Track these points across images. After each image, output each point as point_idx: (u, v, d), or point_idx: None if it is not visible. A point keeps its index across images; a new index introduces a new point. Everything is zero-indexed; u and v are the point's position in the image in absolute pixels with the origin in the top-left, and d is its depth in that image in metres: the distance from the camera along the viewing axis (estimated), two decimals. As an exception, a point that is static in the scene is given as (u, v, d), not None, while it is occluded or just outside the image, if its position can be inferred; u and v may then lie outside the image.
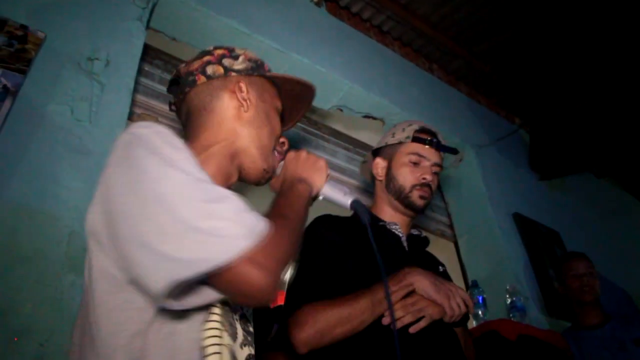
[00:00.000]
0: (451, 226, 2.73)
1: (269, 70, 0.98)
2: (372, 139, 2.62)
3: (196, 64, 0.91)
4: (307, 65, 2.22)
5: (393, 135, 1.41)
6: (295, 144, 2.26)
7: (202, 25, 1.99)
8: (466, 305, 1.13)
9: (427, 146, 1.35)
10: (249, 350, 0.73)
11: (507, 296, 2.12)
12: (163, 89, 1.85)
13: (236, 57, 0.93)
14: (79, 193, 1.29)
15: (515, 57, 2.96)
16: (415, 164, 1.35)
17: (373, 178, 1.45)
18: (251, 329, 0.78)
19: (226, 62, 0.91)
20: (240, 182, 0.92)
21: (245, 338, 0.74)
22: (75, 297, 1.16)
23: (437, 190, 1.86)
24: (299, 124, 2.30)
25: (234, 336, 0.71)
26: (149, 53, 1.90)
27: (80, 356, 0.66)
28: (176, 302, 0.60)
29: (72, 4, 1.58)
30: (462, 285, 2.45)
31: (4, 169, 1.23)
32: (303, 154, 0.96)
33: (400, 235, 1.32)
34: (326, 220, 1.27)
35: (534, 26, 2.74)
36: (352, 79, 2.37)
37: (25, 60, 1.37)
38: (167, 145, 0.67)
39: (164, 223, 0.59)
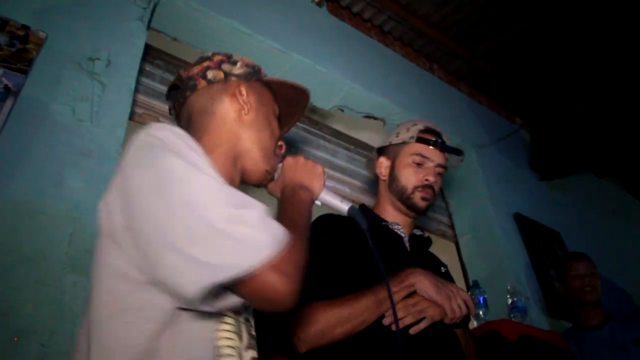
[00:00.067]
0: (452, 226, 2.73)
1: (265, 76, 1.00)
2: (373, 139, 2.63)
3: (196, 69, 0.93)
4: (308, 65, 2.22)
5: (397, 134, 1.40)
6: (296, 144, 2.26)
7: (203, 26, 1.99)
8: (467, 307, 1.13)
9: (431, 147, 1.34)
10: (252, 353, 0.73)
11: (508, 296, 2.12)
12: (164, 89, 1.85)
13: (235, 63, 0.95)
14: (80, 193, 1.29)
15: (516, 57, 2.96)
16: (419, 164, 1.34)
17: (377, 177, 1.45)
18: (254, 332, 0.78)
19: (225, 67, 0.94)
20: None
21: (249, 341, 0.74)
22: (76, 297, 1.16)
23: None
24: (300, 124, 2.31)
25: (240, 339, 0.72)
26: (150, 53, 1.90)
27: (88, 355, 0.65)
28: (207, 305, 0.61)
29: (74, 4, 1.58)
30: (463, 285, 2.45)
31: (5, 169, 1.23)
32: (301, 159, 0.98)
33: (403, 235, 1.32)
34: (327, 221, 1.27)
35: (535, 26, 2.74)
36: (352, 79, 2.37)
37: (27, 60, 1.37)
38: (188, 148, 0.68)
39: (193, 226, 0.60)
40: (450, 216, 2.77)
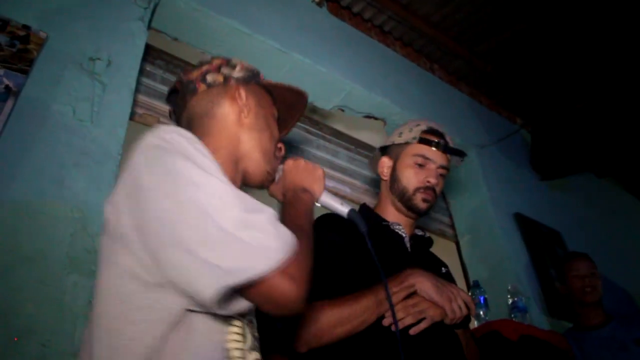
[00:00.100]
0: (452, 226, 2.73)
1: (264, 79, 1.01)
2: (374, 139, 2.63)
3: (195, 73, 0.94)
4: (308, 65, 2.22)
5: (400, 134, 1.39)
6: (297, 144, 2.26)
7: (203, 26, 1.99)
8: (467, 308, 1.13)
9: (433, 148, 1.33)
10: (256, 354, 0.74)
11: (509, 296, 2.12)
12: (165, 89, 1.85)
13: (234, 67, 0.96)
14: (81, 193, 1.29)
15: (516, 57, 2.95)
16: (421, 165, 1.33)
17: (379, 176, 1.45)
18: (256, 334, 0.79)
19: (225, 70, 0.95)
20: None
21: (253, 342, 0.75)
22: (76, 297, 1.16)
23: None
24: (300, 124, 2.31)
25: (245, 340, 0.72)
26: (150, 53, 1.90)
27: (92, 355, 0.65)
28: (223, 308, 0.61)
29: (74, 5, 1.58)
30: (464, 285, 2.45)
31: (6, 169, 1.23)
32: (302, 162, 1.00)
33: (404, 235, 1.32)
34: (327, 221, 1.26)
35: (535, 26, 2.74)
36: (353, 79, 2.37)
37: (28, 60, 1.37)
38: (197, 151, 0.69)
39: (206, 229, 0.60)
40: (450, 216, 2.77)
